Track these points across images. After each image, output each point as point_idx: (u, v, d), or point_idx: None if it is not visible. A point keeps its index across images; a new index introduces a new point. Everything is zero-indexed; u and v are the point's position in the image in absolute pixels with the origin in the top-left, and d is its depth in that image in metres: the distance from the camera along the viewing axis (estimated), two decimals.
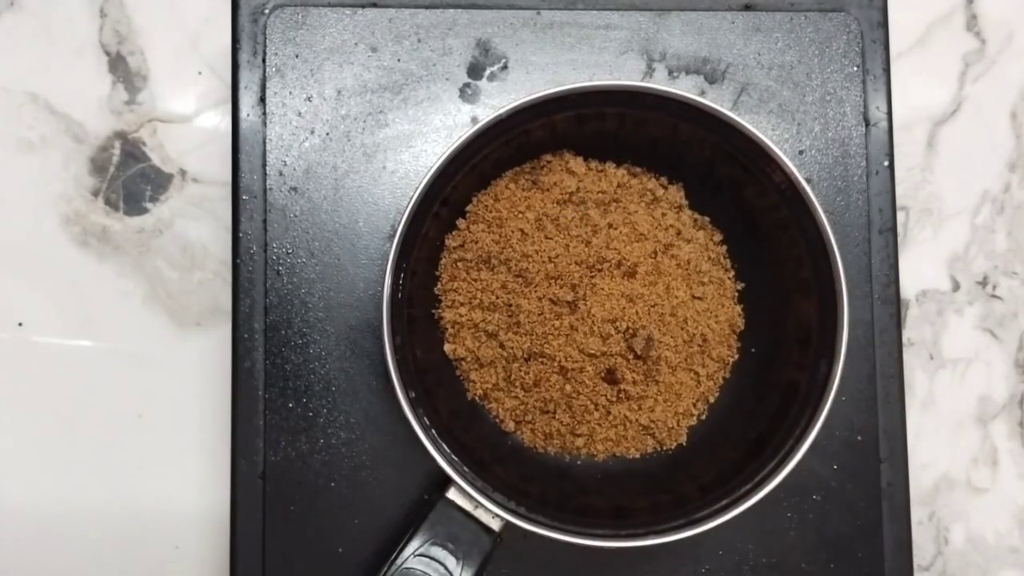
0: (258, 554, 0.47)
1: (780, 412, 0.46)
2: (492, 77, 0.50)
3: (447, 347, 0.49)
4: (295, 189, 0.49)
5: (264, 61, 0.49)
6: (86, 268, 0.55)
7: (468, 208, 0.49)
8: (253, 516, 0.47)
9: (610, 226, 0.48)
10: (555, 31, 0.50)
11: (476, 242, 0.48)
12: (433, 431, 0.44)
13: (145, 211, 0.55)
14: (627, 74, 0.50)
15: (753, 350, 0.49)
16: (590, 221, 0.48)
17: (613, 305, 0.47)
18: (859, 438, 0.49)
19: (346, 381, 0.48)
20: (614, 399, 0.48)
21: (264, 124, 0.49)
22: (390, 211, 0.49)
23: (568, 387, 0.48)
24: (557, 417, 0.49)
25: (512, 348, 0.48)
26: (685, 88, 0.48)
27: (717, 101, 0.46)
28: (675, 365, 0.47)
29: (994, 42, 0.59)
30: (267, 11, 0.49)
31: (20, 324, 0.54)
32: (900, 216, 0.57)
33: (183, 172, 0.56)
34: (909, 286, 0.57)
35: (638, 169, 0.50)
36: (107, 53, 0.56)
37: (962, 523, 0.57)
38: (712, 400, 0.49)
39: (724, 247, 0.50)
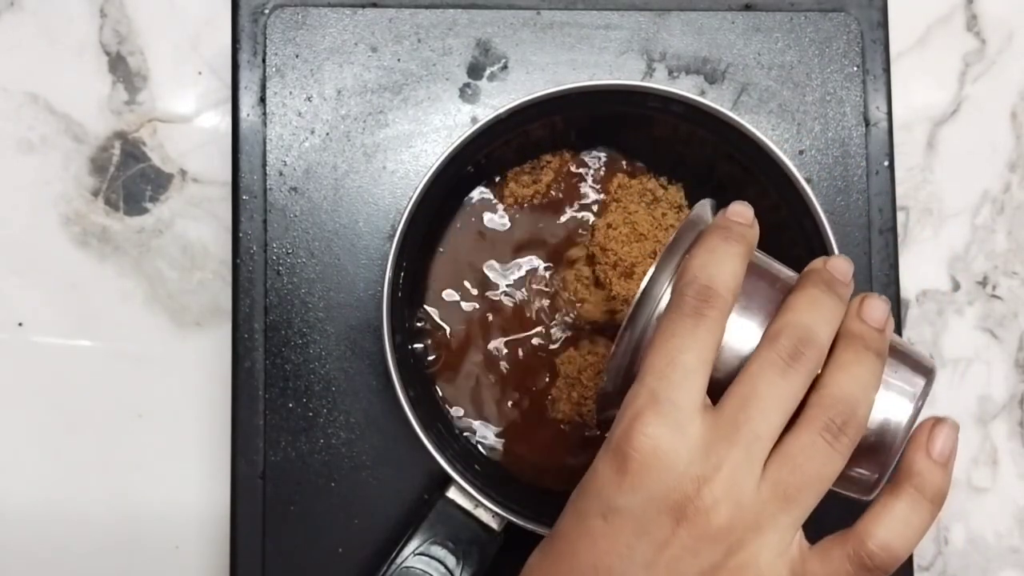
0: (258, 554, 0.47)
1: None
2: (492, 77, 0.50)
3: None
4: (295, 189, 0.49)
5: (264, 61, 0.49)
6: (86, 268, 0.55)
7: None
8: (253, 516, 0.47)
9: (609, 226, 0.48)
10: (555, 31, 0.50)
11: None
12: (433, 431, 0.44)
13: (145, 211, 0.55)
14: (627, 74, 0.50)
15: None
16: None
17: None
18: None
19: (346, 381, 0.48)
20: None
21: (264, 124, 0.49)
22: (390, 211, 0.49)
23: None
24: None
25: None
26: (685, 88, 0.48)
27: (717, 101, 0.46)
28: None
29: (994, 42, 0.59)
30: (267, 11, 0.49)
31: (20, 324, 0.54)
32: (900, 216, 0.57)
33: (183, 172, 0.56)
34: (909, 286, 0.57)
35: (638, 169, 0.50)
36: (107, 53, 0.56)
37: (962, 523, 0.57)
38: None
39: None
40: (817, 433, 0.30)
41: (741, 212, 0.34)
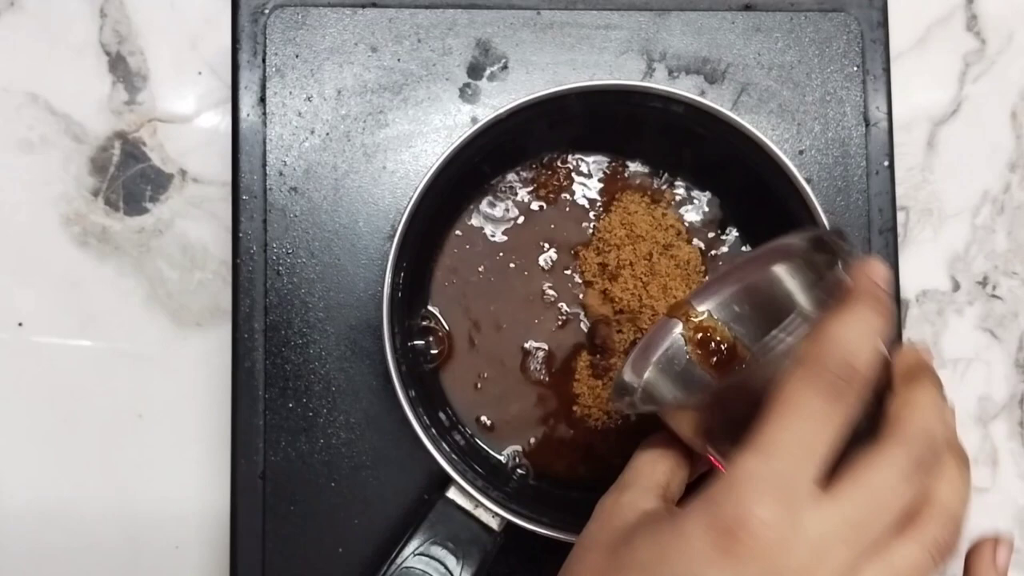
0: (258, 554, 0.47)
1: None
2: (492, 77, 0.50)
3: None
4: (295, 189, 0.49)
5: (264, 61, 0.49)
6: (86, 268, 0.55)
7: None
8: (253, 516, 0.47)
9: (598, 229, 0.48)
10: (555, 31, 0.50)
11: None
12: (433, 431, 0.44)
13: (145, 211, 0.55)
14: (627, 74, 0.50)
15: None
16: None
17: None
18: None
19: (346, 381, 0.48)
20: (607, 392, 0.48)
21: (264, 124, 0.49)
22: (390, 211, 0.49)
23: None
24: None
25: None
26: (685, 88, 0.48)
27: (717, 101, 0.46)
28: None
29: (994, 42, 0.59)
30: (267, 11, 0.49)
31: (20, 324, 0.54)
32: (900, 216, 0.57)
33: (183, 172, 0.56)
34: (909, 286, 0.57)
35: (638, 169, 0.50)
36: (107, 53, 0.56)
37: None
38: None
39: (725, 248, 0.50)
40: (926, 549, 0.30)
41: (885, 276, 0.32)
